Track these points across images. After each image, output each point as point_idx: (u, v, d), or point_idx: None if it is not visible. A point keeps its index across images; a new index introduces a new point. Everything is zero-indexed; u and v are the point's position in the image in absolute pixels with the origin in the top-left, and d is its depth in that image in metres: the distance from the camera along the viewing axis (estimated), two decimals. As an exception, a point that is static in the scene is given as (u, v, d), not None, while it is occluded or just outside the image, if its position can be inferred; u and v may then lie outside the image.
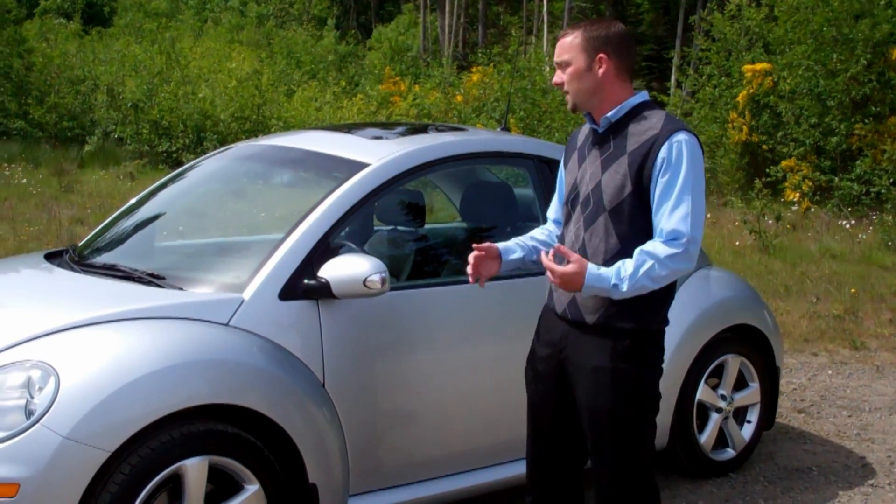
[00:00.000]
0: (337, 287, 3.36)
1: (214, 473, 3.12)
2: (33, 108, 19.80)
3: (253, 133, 17.95)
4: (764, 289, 8.74)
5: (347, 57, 30.87)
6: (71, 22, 30.90)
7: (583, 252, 2.97)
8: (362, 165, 3.76)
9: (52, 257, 4.09)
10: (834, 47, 15.06)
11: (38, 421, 2.87)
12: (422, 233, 4.42)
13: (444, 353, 3.76)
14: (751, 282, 7.43)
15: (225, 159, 4.51)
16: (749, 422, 4.76)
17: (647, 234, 2.92)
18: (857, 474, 4.80)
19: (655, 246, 2.86)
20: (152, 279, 3.53)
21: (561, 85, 3.04)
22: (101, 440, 2.89)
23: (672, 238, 2.86)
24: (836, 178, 14.57)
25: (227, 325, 3.28)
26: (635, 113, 2.99)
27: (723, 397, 4.61)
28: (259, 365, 3.24)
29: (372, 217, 4.39)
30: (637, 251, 2.86)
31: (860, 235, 12.12)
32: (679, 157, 2.87)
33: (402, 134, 4.57)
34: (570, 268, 2.83)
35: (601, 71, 2.97)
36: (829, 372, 6.62)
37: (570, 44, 3.00)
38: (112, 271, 3.67)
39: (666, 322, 3.06)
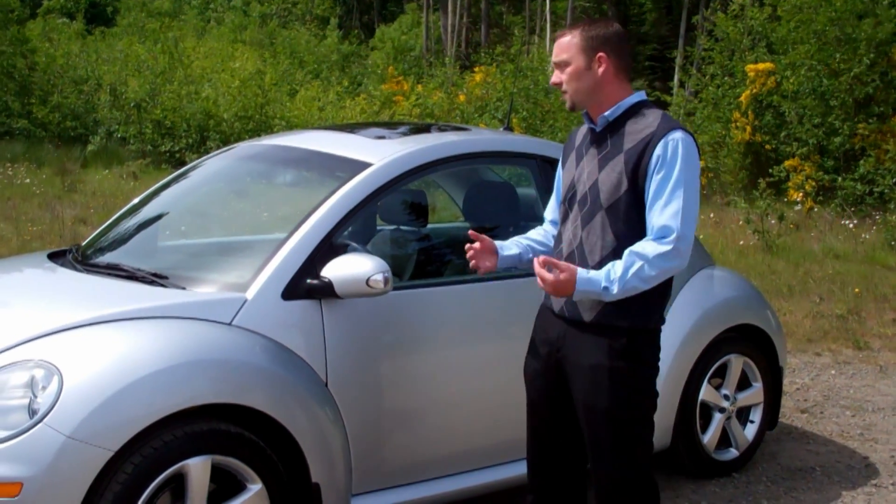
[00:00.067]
0: (340, 287, 3.36)
1: (217, 473, 3.12)
2: (37, 108, 19.83)
3: (256, 133, 17.97)
4: (767, 288, 8.74)
5: (350, 56, 30.90)
6: (74, 22, 30.94)
7: (580, 249, 3.00)
8: (365, 165, 3.76)
9: (55, 257, 4.09)
10: (837, 47, 15.05)
11: (41, 420, 2.87)
12: (424, 232, 4.42)
13: (447, 353, 3.76)
14: (754, 281, 7.43)
15: (228, 159, 4.51)
16: (752, 422, 4.75)
17: (643, 231, 2.94)
18: (860, 474, 4.79)
19: (644, 246, 2.88)
20: (155, 279, 3.53)
21: (559, 85, 3.06)
22: (104, 439, 2.89)
23: (662, 235, 2.88)
24: (840, 178, 14.56)
25: (230, 324, 3.28)
26: (632, 112, 3.01)
27: (726, 397, 4.61)
28: (262, 364, 3.24)
29: (375, 217, 4.39)
30: (626, 252, 2.88)
31: (863, 235, 12.11)
32: (674, 156, 2.89)
33: (405, 134, 4.57)
34: (559, 276, 2.85)
35: (601, 70, 2.99)
36: (833, 372, 6.61)
37: (568, 43, 3.02)
38: (115, 271, 3.67)
39: (662, 321, 3.08)
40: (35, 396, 2.93)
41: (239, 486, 3.18)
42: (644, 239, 2.91)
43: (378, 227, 4.48)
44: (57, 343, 3.07)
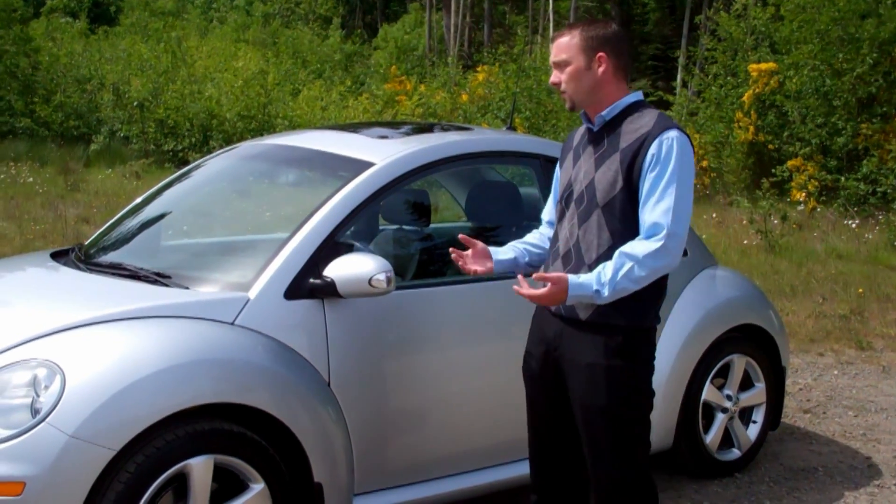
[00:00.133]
0: (342, 286, 3.36)
1: (220, 472, 3.12)
2: (39, 107, 19.85)
3: (259, 132, 17.99)
4: (770, 288, 8.74)
5: (353, 56, 30.91)
6: (77, 21, 30.99)
7: (577, 248, 3.02)
8: (368, 165, 3.76)
9: (58, 256, 4.09)
10: (840, 47, 15.04)
11: (43, 419, 2.87)
12: (427, 232, 4.42)
13: (450, 353, 3.76)
14: (757, 281, 7.43)
15: (230, 158, 4.51)
16: (755, 422, 4.75)
17: (638, 229, 2.96)
18: (862, 475, 4.79)
19: (634, 246, 2.89)
20: (158, 278, 3.53)
21: (559, 84, 3.07)
22: (106, 439, 2.89)
23: (652, 232, 2.89)
24: (843, 178, 14.55)
25: (232, 324, 3.28)
26: (629, 112, 3.03)
27: (728, 397, 4.60)
28: (264, 364, 3.24)
29: (377, 216, 4.39)
30: (617, 253, 2.90)
31: (866, 235, 12.10)
32: (668, 154, 2.91)
33: (408, 133, 4.57)
34: (548, 289, 2.88)
35: (601, 70, 3.01)
36: (835, 372, 6.61)
37: (567, 43, 3.03)
38: (118, 270, 3.67)
39: (658, 319, 3.09)
40: (37, 396, 2.93)
41: (241, 486, 3.18)
42: (636, 238, 2.93)
43: (381, 227, 4.48)
44: (59, 342, 3.07)
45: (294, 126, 18.65)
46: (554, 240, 3.16)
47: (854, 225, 12.83)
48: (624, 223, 2.96)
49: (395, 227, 4.41)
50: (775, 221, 11.77)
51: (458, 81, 22.34)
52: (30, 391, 2.94)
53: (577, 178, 3.08)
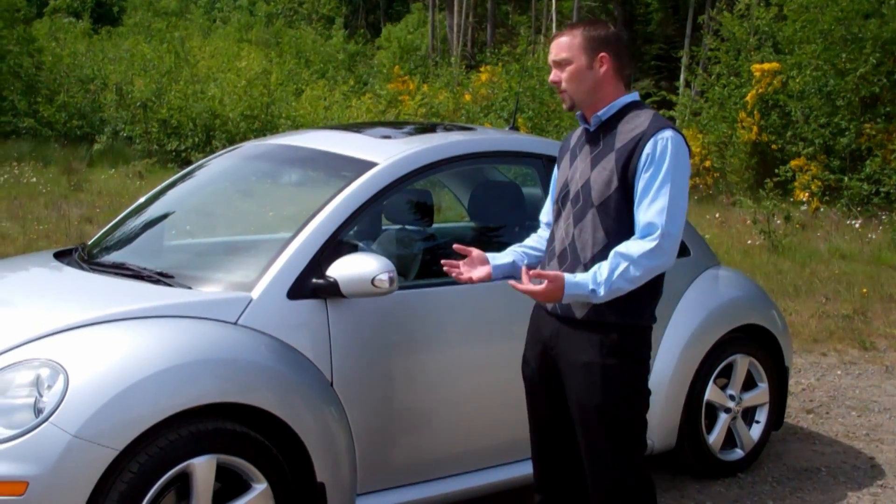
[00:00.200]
0: (345, 286, 3.36)
1: (222, 472, 3.12)
2: (43, 107, 19.88)
3: (262, 132, 18.00)
4: (773, 288, 8.73)
5: (356, 56, 30.91)
6: (80, 21, 31.04)
7: (572, 247, 3.03)
8: (371, 164, 3.76)
9: (61, 256, 4.09)
10: (843, 47, 15.03)
11: (46, 419, 2.88)
12: (430, 232, 4.41)
13: (452, 353, 3.76)
14: (760, 281, 7.43)
15: (234, 158, 4.52)
16: (758, 422, 4.75)
17: (634, 228, 2.96)
18: (866, 475, 4.78)
19: (629, 246, 2.90)
20: (161, 278, 3.54)
21: (558, 83, 3.07)
22: (109, 439, 2.90)
23: (647, 232, 2.90)
24: (846, 178, 14.53)
25: (235, 323, 3.28)
26: (625, 112, 3.05)
27: (731, 397, 4.60)
28: (267, 364, 3.25)
29: (380, 216, 4.39)
30: (612, 253, 2.91)
31: (869, 235, 12.09)
32: (663, 154, 2.92)
33: (411, 133, 4.57)
34: (545, 286, 2.88)
35: (602, 70, 3.02)
36: (839, 372, 6.60)
37: (569, 43, 3.04)
38: (121, 270, 3.68)
39: (654, 318, 3.09)
40: (41, 395, 2.93)
41: (244, 486, 3.18)
42: (631, 238, 2.93)
43: (383, 227, 4.48)
44: (62, 342, 3.07)
45: (297, 126, 18.66)
46: (550, 239, 3.18)
47: (857, 225, 12.81)
48: (619, 223, 2.97)
49: (397, 227, 4.41)
50: (778, 221, 11.76)
51: (461, 81, 22.35)
52: (33, 391, 2.95)
53: (573, 178, 3.09)
